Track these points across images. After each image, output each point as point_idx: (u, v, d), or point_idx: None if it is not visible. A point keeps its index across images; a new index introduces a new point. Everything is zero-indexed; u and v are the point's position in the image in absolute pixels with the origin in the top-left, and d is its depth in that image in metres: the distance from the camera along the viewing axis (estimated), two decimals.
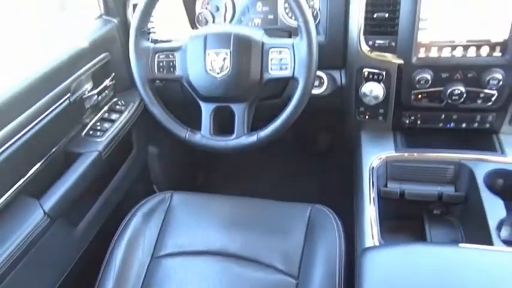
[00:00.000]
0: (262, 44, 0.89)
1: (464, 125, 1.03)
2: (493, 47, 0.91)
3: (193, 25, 1.22)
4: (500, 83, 0.92)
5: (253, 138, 0.92)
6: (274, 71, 0.89)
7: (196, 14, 1.22)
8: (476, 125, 1.03)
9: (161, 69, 0.93)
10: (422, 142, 1.05)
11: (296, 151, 1.66)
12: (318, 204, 1.04)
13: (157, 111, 0.95)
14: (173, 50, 0.93)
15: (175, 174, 1.57)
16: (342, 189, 1.19)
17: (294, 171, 1.63)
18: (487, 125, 1.02)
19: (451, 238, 0.97)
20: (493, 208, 0.86)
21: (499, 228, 0.85)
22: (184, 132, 0.96)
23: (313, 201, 1.07)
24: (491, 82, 0.92)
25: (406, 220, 1.03)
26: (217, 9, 1.21)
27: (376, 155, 1.03)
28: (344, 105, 1.13)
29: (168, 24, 1.17)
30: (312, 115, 1.32)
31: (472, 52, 0.92)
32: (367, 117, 1.09)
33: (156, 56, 0.93)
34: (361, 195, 0.95)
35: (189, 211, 1.09)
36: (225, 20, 1.21)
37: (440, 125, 1.05)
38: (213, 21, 1.22)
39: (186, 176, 1.68)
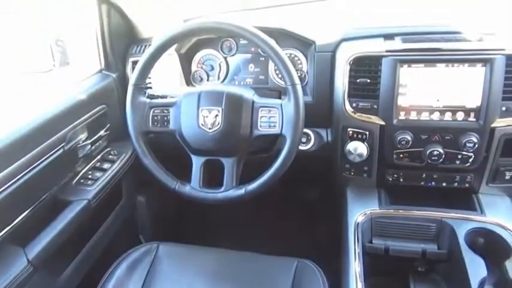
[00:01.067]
0: (253, 102, 0.94)
1: (444, 184, 1.08)
2: (467, 112, 0.98)
3: (188, 82, 1.29)
4: (476, 145, 0.98)
5: (241, 191, 0.95)
6: (263, 128, 0.93)
7: (192, 72, 1.30)
8: (456, 184, 1.07)
9: (155, 123, 0.98)
10: (405, 199, 1.09)
11: (287, 204, 1.68)
12: (304, 259, 1.04)
13: (149, 162, 0.98)
14: (168, 105, 0.98)
15: (163, 225, 1.56)
16: (332, 244, 1.20)
17: (284, 224, 1.63)
18: (467, 185, 1.07)
19: None
20: (475, 267, 0.88)
21: (480, 287, 0.86)
22: (174, 184, 0.98)
23: (303, 256, 1.07)
24: (467, 145, 0.98)
25: (391, 277, 1.04)
26: (212, 68, 1.29)
27: (361, 211, 1.05)
28: (331, 161, 1.18)
29: (165, 81, 1.24)
30: (301, 170, 1.36)
31: (448, 116, 0.99)
32: (352, 173, 1.13)
33: (152, 110, 0.97)
34: (346, 251, 0.97)
35: (174, 263, 1.08)
36: (218, 78, 1.29)
37: (422, 183, 1.09)
38: (208, 80, 1.29)
39: (174, 227, 1.67)
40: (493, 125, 0.97)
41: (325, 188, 1.36)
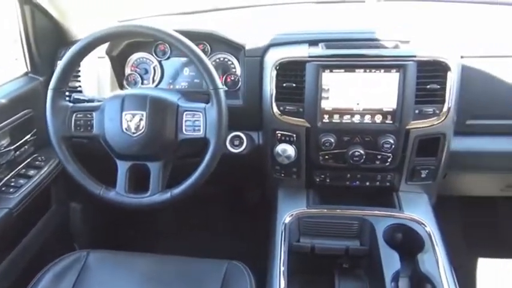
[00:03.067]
0: (178, 106, 0.95)
1: (368, 183, 1.13)
2: (385, 115, 1.03)
3: (122, 86, 1.27)
4: (393, 146, 1.04)
5: (166, 195, 0.95)
6: (188, 132, 0.94)
7: (126, 75, 1.28)
8: (378, 183, 1.13)
9: (78, 128, 0.96)
10: (332, 199, 1.14)
11: (223, 207, 1.69)
12: (234, 261, 1.06)
13: (72, 168, 0.96)
14: (91, 109, 0.96)
15: (100, 232, 1.52)
16: (264, 245, 1.23)
17: (219, 227, 1.65)
18: (388, 183, 1.13)
19: None
20: (389, 261, 0.93)
21: (394, 280, 0.92)
22: (98, 189, 0.97)
23: (236, 257, 1.08)
24: (385, 146, 1.04)
25: (318, 274, 1.08)
26: (146, 71, 1.28)
27: (289, 212, 1.09)
28: (263, 163, 1.20)
29: (96, 85, 1.21)
30: (235, 172, 1.38)
31: (368, 119, 1.04)
32: (282, 175, 1.17)
33: (74, 115, 0.95)
34: (273, 251, 1.00)
35: (104, 270, 1.06)
36: (153, 82, 1.28)
37: (347, 183, 1.14)
38: (142, 83, 1.28)
39: (112, 233, 1.64)
40: (407, 127, 1.03)
41: (259, 189, 1.39)
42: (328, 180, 1.14)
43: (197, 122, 0.93)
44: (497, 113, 1.09)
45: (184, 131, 0.94)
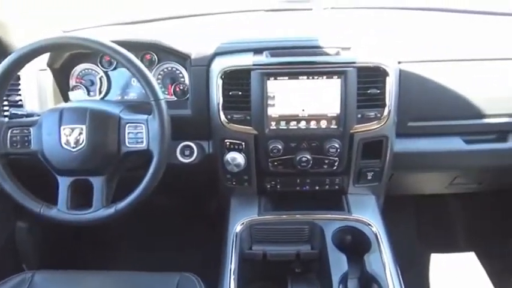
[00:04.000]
0: (120, 119, 0.93)
1: (317, 188, 1.16)
2: (329, 120, 1.06)
3: (67, 99, 1.23)
4: (339, 150, 1.06)
5: (111, 210, 0.92)
6: (131, 145, 0.93)
7: (71, 87, 1.24)
8: (327, 187, 1.15)
9: (15, 144, 0.92)
10: (284, 205, 1.15)
11: (177, 218, 1.68)
12: (186, 273, 1.04)
13: (9, 186, 0.92)
14: (28, 125, 0.93)
15: (47, 250, 1.46)
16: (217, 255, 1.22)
17: (175, 239, 1.63)
18: (337, 187, 1.16)
19: None
20: (337, 263, 0.95)
21: (342, 282, 0.93)
22: (38, 207, 0.93)
23: (189, 269, 1.07)
24: (331, 150, 1.06)
25: (271, 280, 1.08)
26: (92, 83, 1.25)
27: (241, 220, 1.09)
28: (214, 172, 1.20)
29: (37, 98, 1.17)
30: (187, 182, 1.36)
31: (313, 124, 1.06)
32: (234, 183, 1.17)
33: (10, 131, 0.92)
34: (224, 260, 0.99)
35: None
36: (100, 93, 1.25)
37: (298, 188, 1.16)
38: (88, 95, 1.24)
39: (60, 252, 1.57)
40: (351, 131, 1.06)
41: (215, 198, 1.38)
42: (278, 187, 1.16)
43: (140, 134, 0.92)
44: (436, 115, 1.14)
45: (127, 144, 0.93)
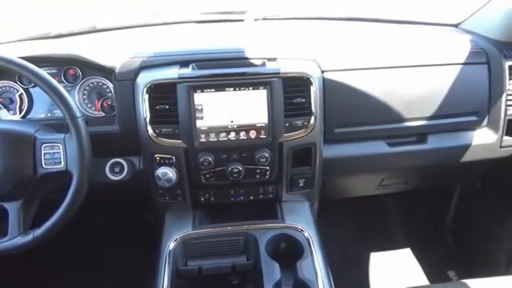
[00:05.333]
0: (34, 139, 0.88)
1: (252, 198, 1.16)
2: (258, 130, 1.07)
3: None
4: (269, 159, 1.08)
5: (28, 237, 0.87)
6: (48, 166, 0.88)
7: None
8: (261, 196, 1.16)
9: None
10: (219, 217, 1.14)
11: (114, 236, 1.62)
12: None
13: None
14: None
15: None
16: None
17: (114, 259, 1.57)
18: (270, 195, 1.17)
19: None
20: (270, 272, 0.96)
21: None
22: None
23: None
24: (261, 160, 1.07)
25: None
26: (11, 101, 1.17)
27: (174, 236, 1.06)
28: (147, 189, 1.17)
29: None
30: (120, 200, 1.32)
31: (243, 135, 1.07)
32: (167, 198, 1.14)
33: None
34: (156, 280, 0.96)
35: None
36: (20, 112, 1.17)
37: (232, 199, 1.16)
38: (8, 113, 1.17)
39: None
40: (280, 140, 1.08)
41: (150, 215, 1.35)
42: (212, 199, 1.15)
43: (57, 154, 0.88)
44: (360, 121, 1.19)
45: (44, 165, 0.88)
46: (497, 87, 1.22)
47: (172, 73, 1.05)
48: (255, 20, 1.49)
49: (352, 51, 1.21)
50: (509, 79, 1.22)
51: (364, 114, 1.18)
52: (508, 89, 1.23)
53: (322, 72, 1.13)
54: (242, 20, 1.49)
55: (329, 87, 1.13)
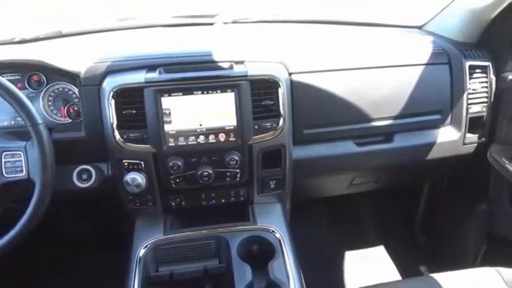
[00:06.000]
0: None
1: (223, 201, 1.16)
2: (227, 133, 1.07)
3: None
4: (239, 162, 1.08)
5: None
6: (9, 175, 0.86)
7: None
8: (233, 199, 1.16)
9: None
10: (191, 221, 1.13)
11: (86, 243, 1.59)
12: None
13: None
14: None
15: None
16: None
17: (88, 267, 1.54)
18: (242, 198, 1.17)
19: None
20: (241, 274, 0.96)
21: None
22: None
23: None
24: (231, 162, 1.07)
25: None
26: None
27: (145, 242, 1.05)
28: (117, 195, 1.15)
29: None
30: (89, 208, 1.29)
31: (212, 138, 1.07)
32: (138, 204, 1.13)
33: None
34: (127, 286, 0.95)
35: None
36: None
37: (204, 203, 1.15)
38: None
39: None
40: (250, 142, 1.08)
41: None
42: (184, 203, 1.14)
43: (18, 162, 0.85)
44: (329, 121, 1.21)
45: (4, 174, 0.85)
46: (459, 86, 1.27)
47: (139, 77, 1.04)
48: (225, 23, 1.50)
49: (319, 53, 1.23)
50: (470, 78, 1.27)
51: (332, 115, 1.20)
52: (469, 88, 1.27)
53: (290, 74, 1.14)
54: (212, 24, 1.50)
55: (297, 89, 1.15)
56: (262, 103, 1.08)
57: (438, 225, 1.71)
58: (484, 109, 1.30)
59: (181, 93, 1.03)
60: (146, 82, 1.02)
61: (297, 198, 1.35)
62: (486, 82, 1.29)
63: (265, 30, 1.51)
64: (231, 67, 1.09)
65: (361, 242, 1.80)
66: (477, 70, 1.28)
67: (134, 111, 1.04)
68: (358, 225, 1.88)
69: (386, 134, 1.27)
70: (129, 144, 1.05)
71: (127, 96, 1.03)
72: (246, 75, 1.06)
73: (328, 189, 1.52)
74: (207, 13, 1.55)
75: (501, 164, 1.23)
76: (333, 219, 1.85)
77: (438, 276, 1.06)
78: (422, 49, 1.28)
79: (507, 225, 1.33)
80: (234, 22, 1.52)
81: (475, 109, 1.29)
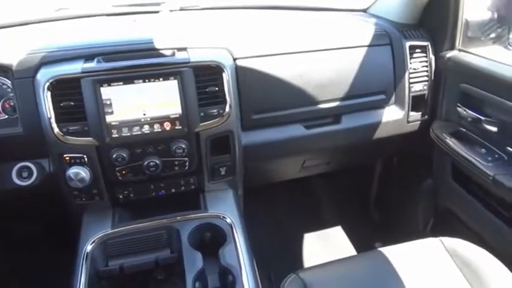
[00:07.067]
0: None
1: (173, 190, 1.15)
2: (173, 121, 1.05)
3: None
4: (186, 150, 1.07)
5: None
6: None
7: None
8: (183, 188, 1.15)
9: None
10: (140, 213, 1.11)
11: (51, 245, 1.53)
12: None
13: None
14: None
15: None
16: None
17: (40, 270, 1.49)
18: (193, 186, 1.16)
19: None
20: (191, 262, 0.96)
21: (199, 279, 0.94)
22: None
23: None
24: (178, 151, 1.06)
25: None
26: None
27: (92, 238, 1.02)
28: (60, 191, 1.11)
29: None
30: (31, 208, 1.24)
31: (157, 128, 1.04)
32: (84, 199, 1.09)
33: None
34: (73, 283, 0.92)
35: None
36: None
37: (153, 194, 1.13)
38: None
39: None
40: (196, 130, 1.07)
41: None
42: (132, 196, 1.12)
43: None
44: (276, 106, 1.22)
45: None
46: (400, 66, 1.30)
47: (75, 67, 1.00)
48: (171, 11, 1.46)
49: (264, 38, 1.23)
50: (410, 58, 1.31)
51: (280, 99, 1.21)
52: (410, 68, 1.32)
53: (235, 59, 1.14)
54: (157, 12, 1.46)
55: (242, 74, 1.14)
56: (207, 90, 1.06)
57: (391, 202, 1.78)
58: (426, 88, 1.35)
59: (121, 83, 1.00)
60: (83, 72, 0.99)
61: (251, 184, 1.36)
62: (426, 61, 1.34)
63: (211, 17, 1.49)
64: (173, 54, 1.07)
65: (320, 223, 1.84)
66: (417, 50, 1.32)
67: (72, 103, 1.00)
68: (316, 207, 1.92)
69: (334, 115, 1.30)
70: (69, 137, 1.01)
71: (63, 88, 0.99)
72: (189, 62, 1.04)
73: (281, 173, 1.54)
74: (152, 1, 1.51)
75: (442, 140, 1.29)
76: (291, 202, 1.88)
77: (386, 250, 1.11)
78: (365, 31, 1.31)
79: (450, 198, 1.40)
80: (181, 9, 1.48)
81: (417, 88, 1.34)
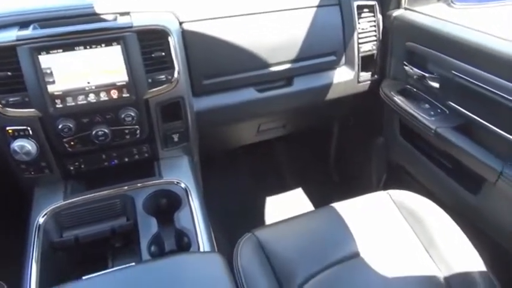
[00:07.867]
0: None
1: (127, 159, 1.14)
2: (120, 89, 1.03)
3: None
4: (135, 118, 1.05)
5: None
6: None
7: None
8: (137, 156, 1.14)
9: None
10: (93, 184, 1.10)
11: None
12: None
13: None
14: None
15: None
16: None
17: None
18: (146, 155, 1.16)
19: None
20: (146, 227, 0.97)
21: (154, 243, 0.96)
22: None
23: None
24: (127, 119, 1.05)
25: (92, 263, 1.05)
26: None
27: (44, 210, 1.01)
28: (6, 165, 1.07)
29: None
30: None
31: (104, 96, 1.02)
32: (33, 173, 1.07)
33: None
34: (24, 261, 0.91)
35: None
36: None
37: (106, 163, 1.12)
38: None
39: None
40: (145, 97, 1.05)
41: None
42: (83, 166, 1.10)
43: None
44: (227, 70, 1.21)
45: None
46: (349, 26, 1.32)
47: (9, 35, 0.95)
48: None
49: (210, 1, 1.20)
50: (358, 18, 1.33)
51: (230, 63, 1.20)
52: (359, 28, 1.33)
53: (181, 23, 1.11)
54: None
55: (190, 38, 1.12)
56: (153, 55, 1.04)
57: (348, 161, 1.85)
58: (374, 47, 1.38)
59: (61, 50, 0.96)
60: (18, 40, 0.94)
61: (208, 151, 1.36)
62: (374, 21, 1.35)
63: None
64: (115, 19, 1.04)
65: (280, 186, 1.89)
66: (365, 10, 1.33)
67: (10, 73, 0.95)
68: (276, 170, 1.96)
69: (286, 78, 1.31)
70: (10, 109, 0.97)
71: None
72: (132, 26, 1.01)
73: (238, 138, 1.55)
74: None
75: (390, 98, 1.33)
76: (252, 167, 1.91)
77: (338, 205, 1.16)
78: None
79: (399, 153, 1.47)
80: None
81: (366, 48, 1.36)
